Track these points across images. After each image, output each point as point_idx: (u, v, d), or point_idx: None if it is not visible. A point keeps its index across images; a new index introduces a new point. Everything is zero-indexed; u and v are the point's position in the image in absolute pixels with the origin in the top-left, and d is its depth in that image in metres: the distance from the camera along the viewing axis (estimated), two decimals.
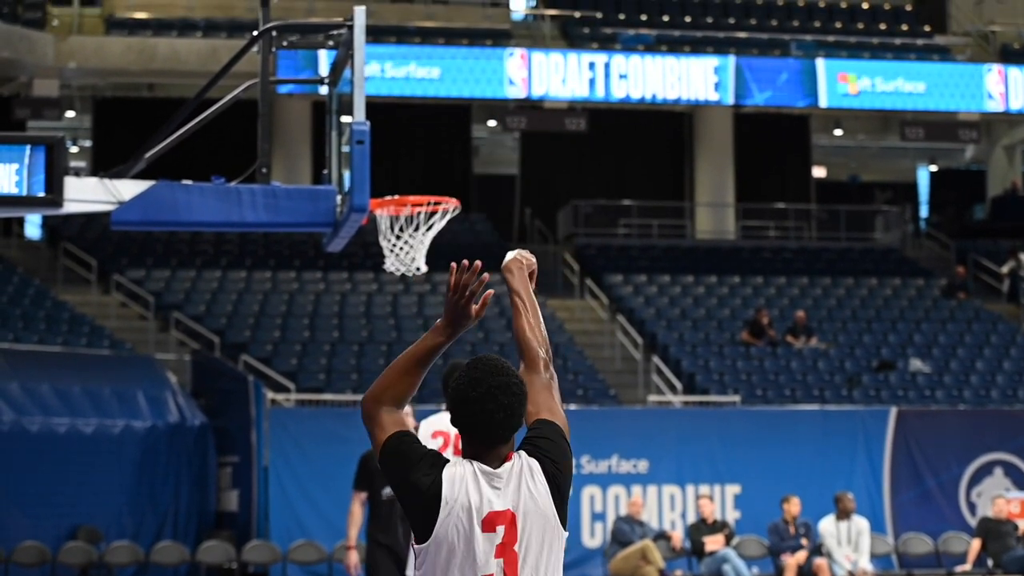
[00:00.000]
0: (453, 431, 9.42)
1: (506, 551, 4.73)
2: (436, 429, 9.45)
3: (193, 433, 22.24)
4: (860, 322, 30.14)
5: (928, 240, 37.59)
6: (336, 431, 21.51)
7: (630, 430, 23.13)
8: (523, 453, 4.85)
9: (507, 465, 4.81)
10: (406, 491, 4.77)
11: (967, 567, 21.22)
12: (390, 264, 11.15)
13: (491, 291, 4.97)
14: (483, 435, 4.81)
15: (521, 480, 4.79)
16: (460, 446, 9.74)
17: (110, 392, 22.19)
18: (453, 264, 4.90)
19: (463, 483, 4.76)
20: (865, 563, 20.23)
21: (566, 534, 4.86)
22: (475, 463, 4.80)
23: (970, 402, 26.77)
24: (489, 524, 4.73)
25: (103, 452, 21.46)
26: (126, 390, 22.33)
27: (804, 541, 20.51)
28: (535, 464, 4.83)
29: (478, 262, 4.91)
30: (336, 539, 19.92)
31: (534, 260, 5.31)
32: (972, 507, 23.60)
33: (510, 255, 5.26)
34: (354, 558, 11.25)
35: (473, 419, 4.79)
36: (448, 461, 4.81)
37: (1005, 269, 33.27)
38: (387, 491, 10.77)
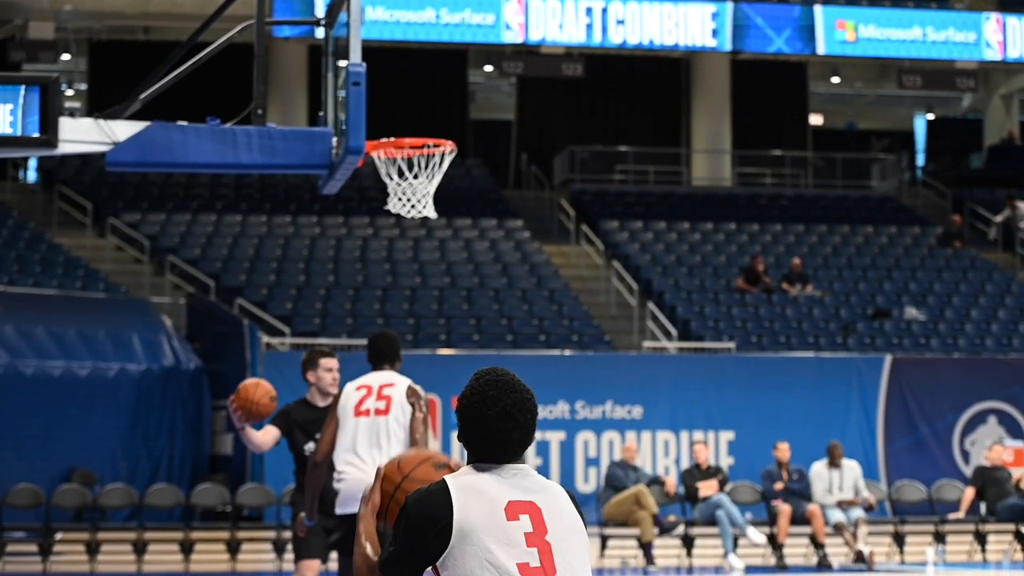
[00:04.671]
0: (377, 382, 9.46)
1: (538, 540, 4.47)
2: (360, 383, 9.49)
3: (188, 376, 22.25)
4: (856, 270, 30.13)
5: (924, 188, 37.54)
6: None
7: (625, 376, 23.13)
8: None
9: (520, 465, 4.61)
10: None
11: (960, 514, 21.27)
12: (393, 205, 11.05)
13: None
14: (498, 455, 4.58)
15: (540, 481, 4.60)
16: (384, 393, 9.63)
17: (105, 335, 22.19)
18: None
19: (471, 480, 4.54)
20: (859, 511, 20.20)
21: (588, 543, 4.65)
22: (484, 468, 4.59)
23: (965, 350, 26.79)
24: (512, 513, 4.48)
25: (98, 395, 21.47)
26: (121, 333, 22.32)
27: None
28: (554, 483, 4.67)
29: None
30: None
31: None
32: (966, 455, 23.65)
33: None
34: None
35: (489, 438, 4.55)
36: (444, 480, 4.56)
37: (1000, 218, 33.25)
38: (309, 446, 10.47)
